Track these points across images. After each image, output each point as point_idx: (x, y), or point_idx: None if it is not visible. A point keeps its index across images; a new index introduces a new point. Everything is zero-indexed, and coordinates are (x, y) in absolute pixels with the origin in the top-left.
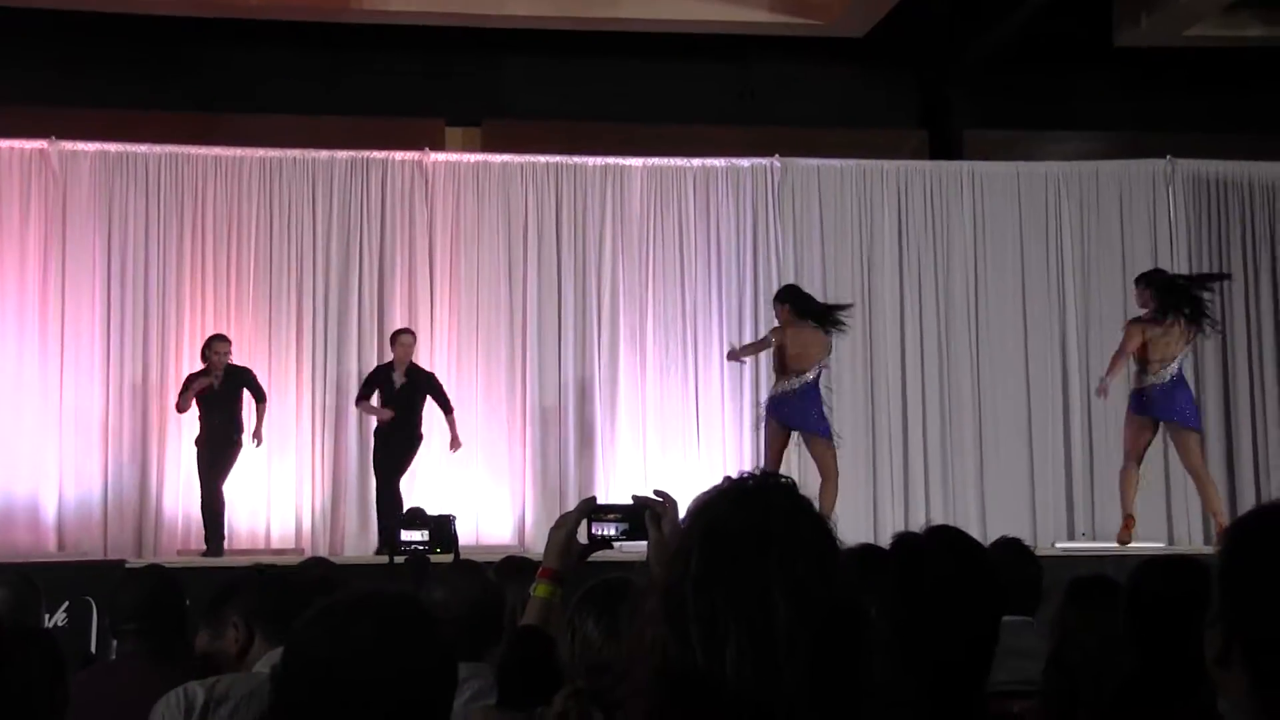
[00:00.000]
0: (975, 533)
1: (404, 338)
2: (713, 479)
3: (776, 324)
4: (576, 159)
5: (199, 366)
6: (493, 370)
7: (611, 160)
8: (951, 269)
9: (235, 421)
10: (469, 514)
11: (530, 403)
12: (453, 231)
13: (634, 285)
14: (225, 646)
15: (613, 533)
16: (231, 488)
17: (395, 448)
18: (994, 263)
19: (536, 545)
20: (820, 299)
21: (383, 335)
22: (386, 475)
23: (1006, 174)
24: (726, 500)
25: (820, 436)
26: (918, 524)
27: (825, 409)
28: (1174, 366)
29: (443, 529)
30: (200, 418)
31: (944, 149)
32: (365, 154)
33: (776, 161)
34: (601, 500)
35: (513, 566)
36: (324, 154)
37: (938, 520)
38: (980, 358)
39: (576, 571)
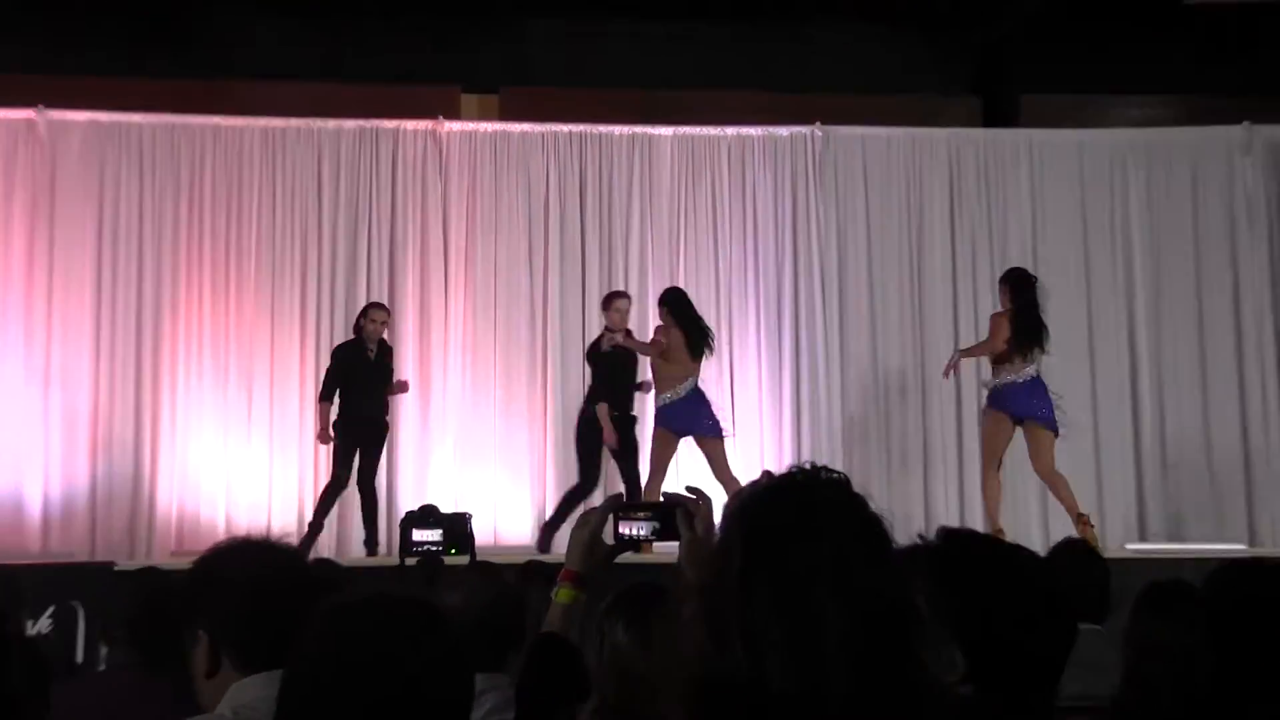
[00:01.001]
0: (1036, 533)
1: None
2: (751, 474)
3: (661, 324)
4: (602, 128)
5: (194, 351)
6: (512, 357)
7: (639, 129)
8: (1008, 246)
9: (384, 404)
10: (486, 513)
11: (552, 393)
12: (468, 207)
13: (663, 265)
14: (194, 664)
15: (643, 533)
16: (231, 483)
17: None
18: (1054, 240)
19: (559, 547)
20: (865, 280)
21: (391, 319)
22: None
23: (1067, 143)
24: (771, 496)
25: (716, 439)
26: (976, 517)
27: (714, 408)
28: (1032, 368)
29: (458, 528)
30: (342, 396)
31: (999, 115)
32: (375, 123)
33: (818, 130)
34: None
35: (534, 571)
36: (331, 123)
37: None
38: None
39: (602, 575)
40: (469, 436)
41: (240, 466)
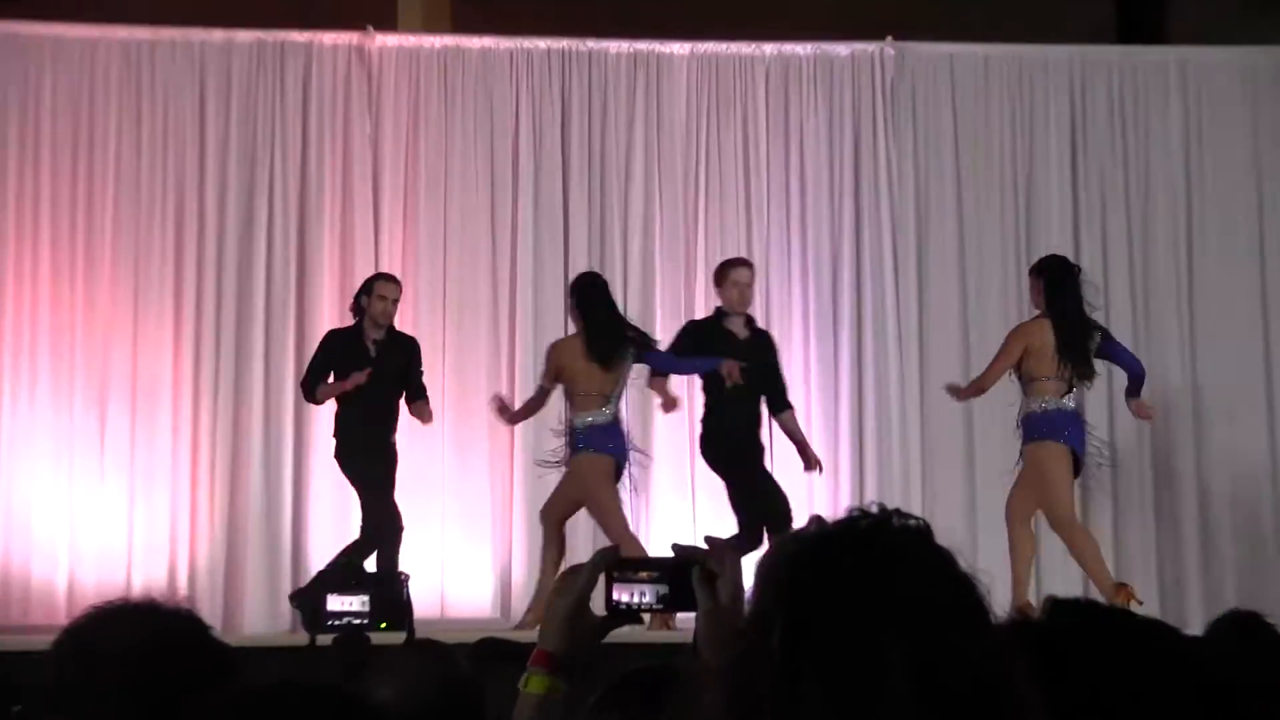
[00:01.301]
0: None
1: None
2: (796, 519)
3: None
4: (592, 43)
5: (24, 355)
6: (465, 357)
7: (644, 45)
8: (1151, 194)
9: (391, 412)
10: (429, 572)
11: (520, 387)
12: (407, 151)
13: (674, 230)
14: None
15: (645, 599)
16: (76, 533)
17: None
18: (1214, 185)
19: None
20: (955, 246)
21: (303, 299)
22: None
23: (1227, 63)
24: (824, 550)
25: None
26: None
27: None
28: (1071, 400)
29: (390, 594)
30: (338, 402)
31: (1137, 28)
32: (279, 36)
33: (889, 47)
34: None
35: (494, 650)
36: (217, 35)
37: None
38: (1195, 314)
39: (590, 657)
40: (406, 468)
41: (88, 511)
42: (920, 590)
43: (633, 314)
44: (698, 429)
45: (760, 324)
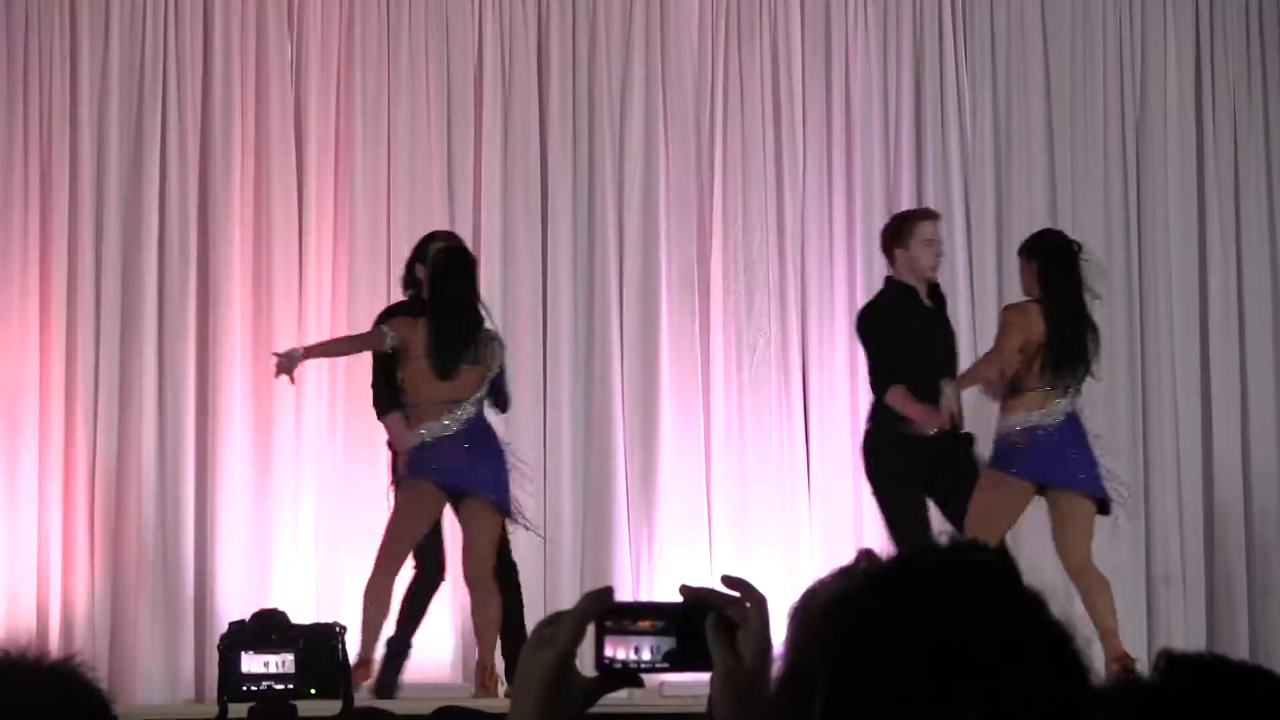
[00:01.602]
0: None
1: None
2: (838, 558)
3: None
4: None
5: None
6: None
7: None
8: None
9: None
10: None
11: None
12: (340, 91)
13: (685, 187)
14: None
15: (645, 656)
16: None
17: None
18: None
19: (500, 679)
20: (1044, 205)
21: (205, 279)
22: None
23: None
24: (881, 594)
25: (496, 507)
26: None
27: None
28: (1066, 401)
29: (320, 652)
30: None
31: None
32: None
33: None
34: (623, 595)
35: None
36: None
37: None
38: None
39: None
40: (340, 492)
41: None
42: (1003, 649)
43: (632, 293)
44: (721, 439)
45: (789, 317)
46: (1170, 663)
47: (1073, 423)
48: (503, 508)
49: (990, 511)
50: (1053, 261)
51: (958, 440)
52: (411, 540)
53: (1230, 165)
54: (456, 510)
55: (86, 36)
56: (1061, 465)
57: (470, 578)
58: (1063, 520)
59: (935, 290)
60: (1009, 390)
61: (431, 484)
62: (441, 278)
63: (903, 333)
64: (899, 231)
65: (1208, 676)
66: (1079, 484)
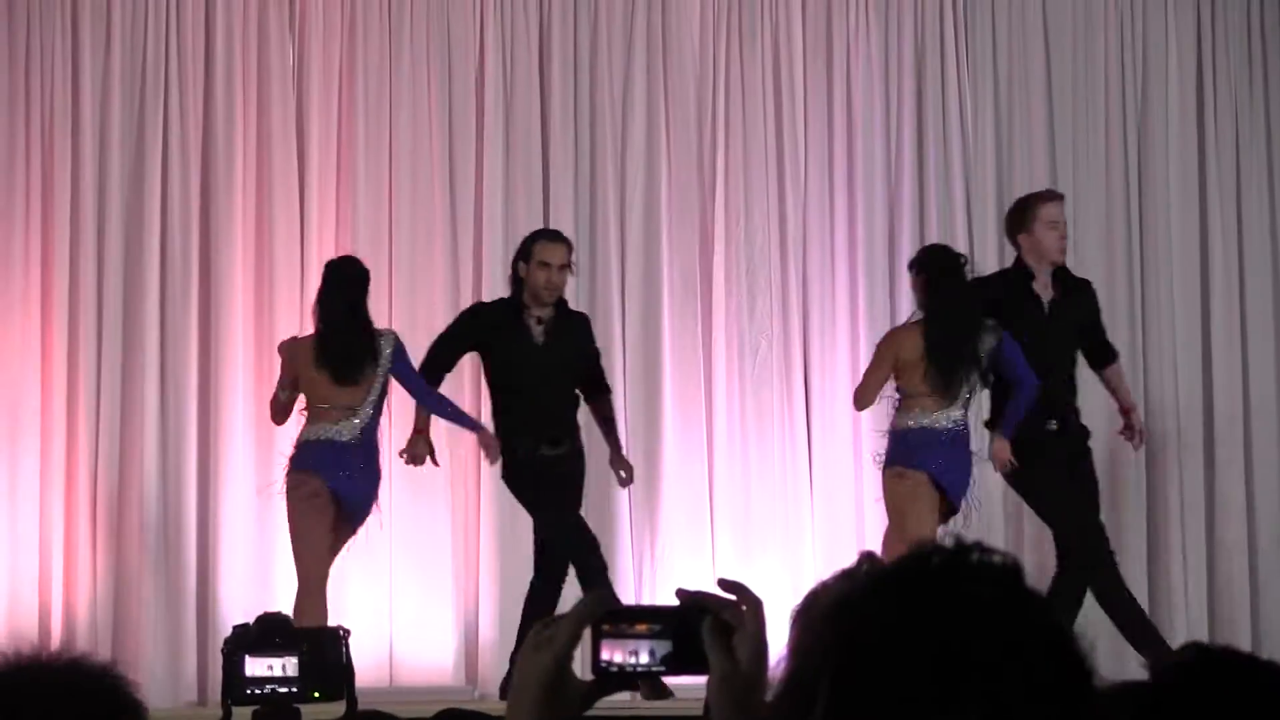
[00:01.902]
0: None
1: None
2: (840, 560)
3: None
4: None
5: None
6: (417, 350)
7: None
8: None
9: (571, 421)
10: (376, 627)
11: (489, 405)
12: (342, 87)
13: (687, 184)
14: None
15: (642, 659)
16: None
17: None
18: None
19: (499, 682)
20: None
21: (207, 281)
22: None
23: None
24: (884, 597)
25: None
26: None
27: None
28: (958, 412)
29: (325, 655)
30: (496, 408)
31: None
32: None
33: None
34: (626, 599)
35: None
36: None
37: None
38: None
39: None
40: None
41: None
42: (1006, 650)
43: (634, 295)
44: (724, 441)
45: (790, 315)
46: (1197, 653)
47: (958, 433)
48: (360, 523)
49: (910, 506)
50: (935, 276)
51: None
52: (321, 537)
53: (1232, 166)
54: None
55: (88, 39)
56: (938, 463)
57: (309, 576)
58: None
59: (1062, 274)
60: (903, 395)
61: (321, 482)
62: (321, 292)
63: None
64: (1022, 216)
65: (1236, 670)
66: (949, 487)
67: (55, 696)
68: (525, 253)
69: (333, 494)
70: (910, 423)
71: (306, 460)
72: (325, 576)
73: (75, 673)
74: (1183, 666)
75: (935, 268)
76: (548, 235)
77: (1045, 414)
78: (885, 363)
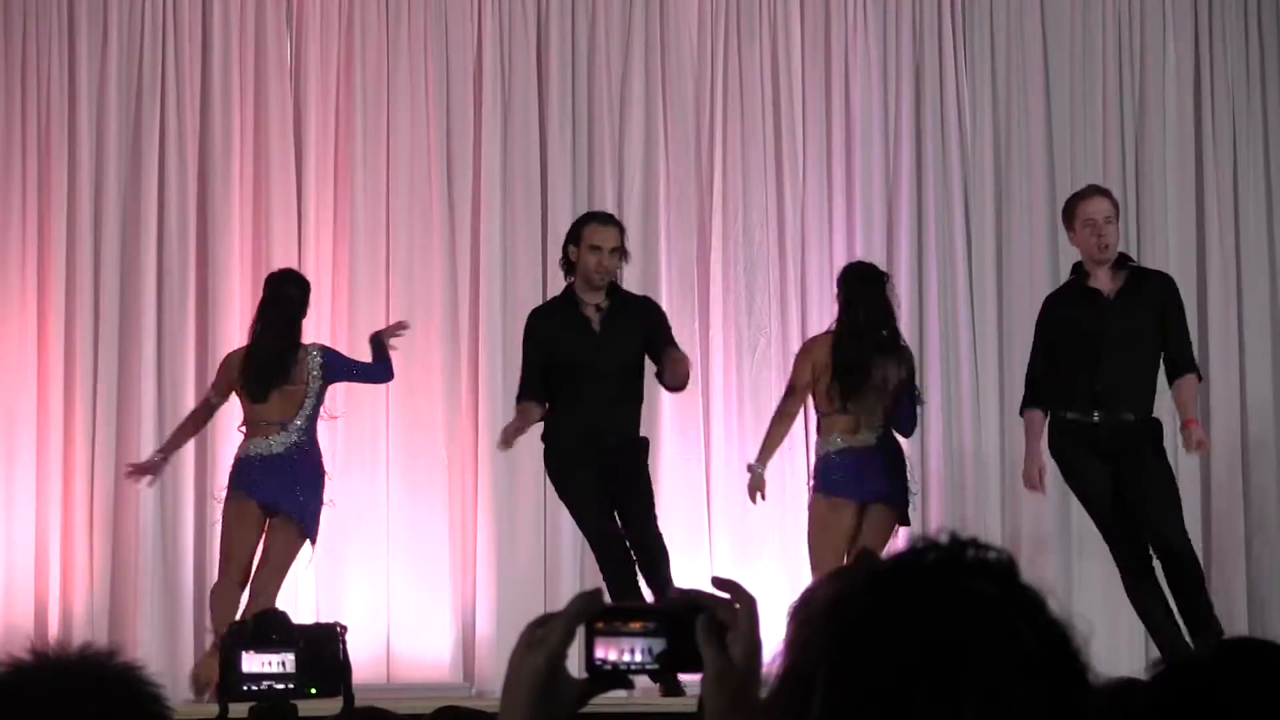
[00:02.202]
0: None
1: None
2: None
3: None
4: None
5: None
6: (414, 351)
7: None
8: None
9: (633, 411)
10: (373, 624)
11: (486, 403)
12: (340, 87)
13: (685, 182)
14: None
15: (636, 657)
16: None
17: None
18: None
19: (501, 680)
20: (1044, 206)
21: (204, 280)
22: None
23: None
24: (876, 596)
25: (301, 532)
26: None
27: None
28: (871, 434)
29: (322, 652)
30: (553, 402)
31: None
32: None
33: None
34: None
35: None
36: None
37: None
38: None
39: None
40: (339, 493)
41: None
42: (1003, 647)
43: (632, 288)
44: (721, 440)
45: (788, 310)
46: (1224, 647)
47: (885, 445)
48: (307, 533)
49: (825, 532)
50: (846, 291)
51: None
52: (244, 550)
53: (1229, 168)
54: (269, 522)
55: (85, 36)
56: (873, 483)
57: (254, 588)
58: (868, 529)
59: (1132, 267)
60: (819, 414)
61: (252, 500)
62: (257, 307)
63: (1043, 327)
64: (1067, 216)
65: (1261, 658)
66: (890, 500)
67: (81, 693)
68: (575, 236)
69: (263, 508)
70: (830, 447)
71: (238, 479)
72: (264, 593)
73: (101, 670)
74: (1237, 650)
75: (853, 279)
76: (599, 218)
77: (1090, 408)
78: (801, 373)
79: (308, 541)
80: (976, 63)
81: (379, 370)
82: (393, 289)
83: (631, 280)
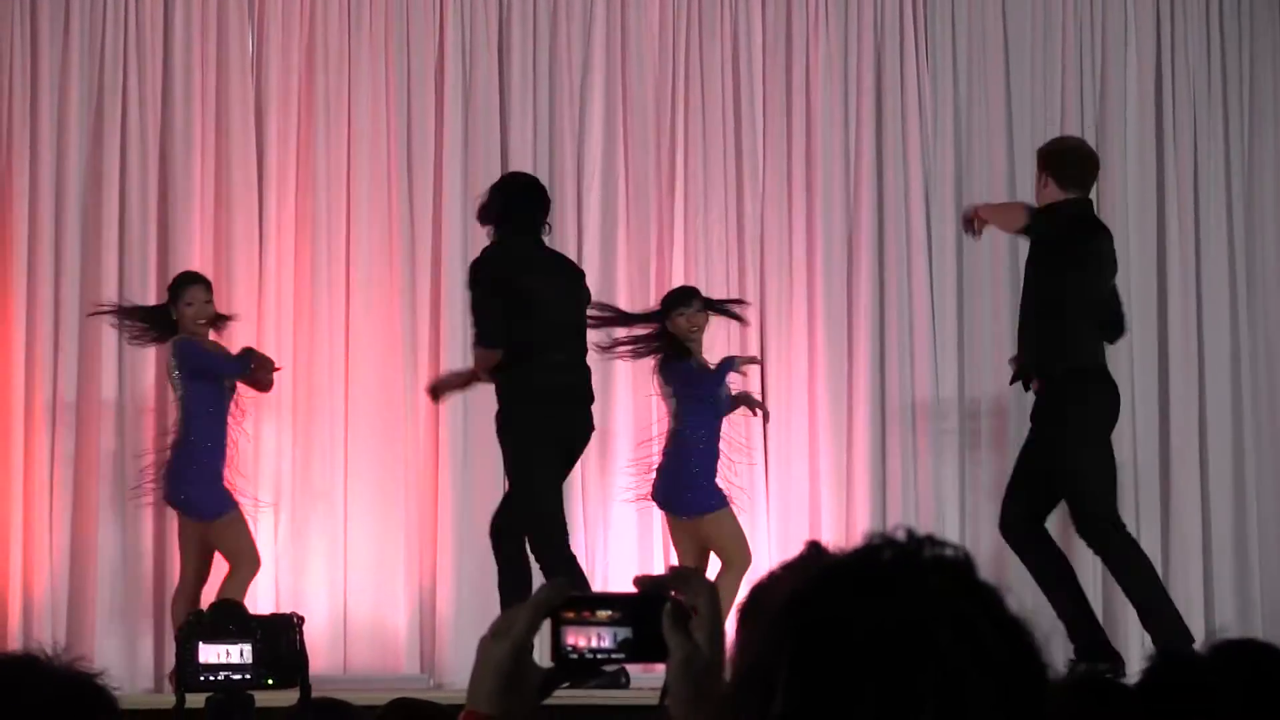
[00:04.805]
0: None
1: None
2: (791, 546)
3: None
4: None
5: None
6: (374, 333)
7: None
8: (1258, 144)
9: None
10: (329, 613)
11: (451, 399)
12: (301, 79)
13: (644, 177)
14: None
15: (605, 644)
16: None
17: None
18: None
19: (460, 671)
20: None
21: (165, 271)
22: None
23: None
24: (831, 590)
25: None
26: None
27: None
28: None
29: (279, 642)
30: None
31: None
32: None
33: None
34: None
35: (411, 714)
36: None
37: None
38: None
39: None
40: (299, 484)
41: None
42: (964, 638)
43: (591, 285)
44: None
45: (762, 296)
46: (1221, 649)
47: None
48: (208, 516)
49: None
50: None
51: None
52: (185, 560)
53: (1190, 160)
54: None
55: (46, 27)
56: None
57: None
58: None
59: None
60: None
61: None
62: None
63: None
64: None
65: (1260, 660)
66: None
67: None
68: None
69: (180, 512)
70: None
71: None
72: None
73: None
74: (1234, 651)
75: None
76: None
77: None
78: None
79: (233, 514)
80: (937, 57)
81: (232, 363)
82: (353, 284)
83: (591, 276)
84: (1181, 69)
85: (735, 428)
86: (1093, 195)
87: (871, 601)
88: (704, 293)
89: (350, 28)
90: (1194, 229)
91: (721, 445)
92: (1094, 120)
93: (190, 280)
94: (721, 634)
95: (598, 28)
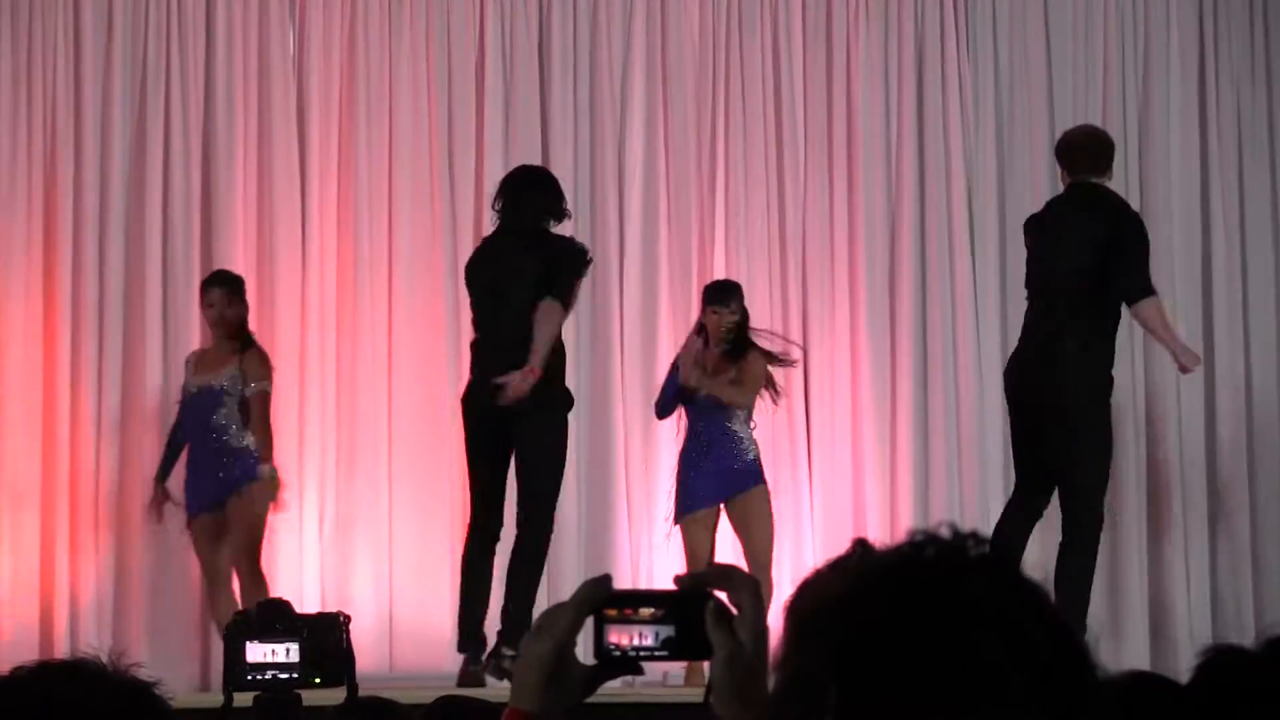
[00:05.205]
0: None
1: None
2: (836, 545)
3: None
4: None
5: None
6: (418, 329)
7: None
8: None
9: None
10: (375, 609)
11: None
12: (342, 82)
13: (685, 176)
14: None
15: (647, 642)
16: None
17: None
18: None
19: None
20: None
21: (209, 269)
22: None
23: None
24: (884, 586)
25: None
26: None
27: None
28: None
29: (325, 641)
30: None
31: None
32: None
33: None
34: (622, 584)
35: (457, 711)
36: None
37: None
38: None
39: (575, 718)
40: (344, 482)
41: None
42: (1016, 643)
43: (632, 286)
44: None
45: (794, 306)
46: (1274, 644)
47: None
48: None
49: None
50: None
51: None
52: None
53: (1234, 155)
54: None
55: (90, 29)
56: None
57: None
58: None
59: None
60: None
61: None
62: None
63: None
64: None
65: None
66: None
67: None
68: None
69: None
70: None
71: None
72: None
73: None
74: (1216, 658)
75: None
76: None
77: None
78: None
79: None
80: (979, 53)
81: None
82: (395, 280)
83: (632, 273)
84: (1225, 61)
85: (779, 423)
86: (1097, 181)
87: (918, 609)
88: (746, 291)
89: (391, 30)
90: (1239, 222)
91: (707, 441)
92: (1137, 115)
93: (213, 282)
94: (765, 631)
95: (638, 26)
